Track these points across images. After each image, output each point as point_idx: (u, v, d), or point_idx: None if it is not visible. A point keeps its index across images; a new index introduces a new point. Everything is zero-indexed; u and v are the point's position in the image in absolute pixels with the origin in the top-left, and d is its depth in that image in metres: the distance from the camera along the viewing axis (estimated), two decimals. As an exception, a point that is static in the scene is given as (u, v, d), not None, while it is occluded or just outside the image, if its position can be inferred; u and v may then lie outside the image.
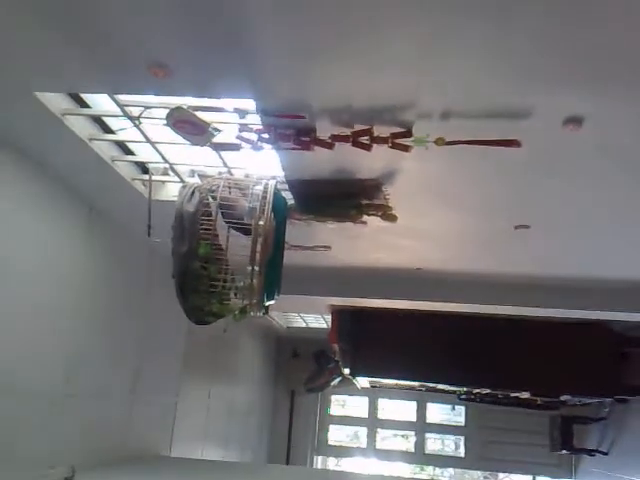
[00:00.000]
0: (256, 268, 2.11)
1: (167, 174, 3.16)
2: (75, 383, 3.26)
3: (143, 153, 3.01)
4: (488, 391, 6.11)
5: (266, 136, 2.33)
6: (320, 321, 7.34)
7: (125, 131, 2.74)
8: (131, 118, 2.53)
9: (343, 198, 2.92)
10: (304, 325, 7.78)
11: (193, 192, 2.26)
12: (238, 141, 2.40)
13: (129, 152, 3.00)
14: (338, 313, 5.47)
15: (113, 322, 3.69)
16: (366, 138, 2.27)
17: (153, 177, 3.00)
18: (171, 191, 3.17)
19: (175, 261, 2.21)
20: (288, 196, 2.82)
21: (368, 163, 2.61)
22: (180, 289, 2.21)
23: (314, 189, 2.87)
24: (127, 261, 3.83)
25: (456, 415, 8.35)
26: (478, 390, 6.21)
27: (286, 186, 2.87)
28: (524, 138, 2.24)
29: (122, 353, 3.84)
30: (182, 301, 2.23)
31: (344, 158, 2.55)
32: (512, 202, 2.99)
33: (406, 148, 2.29)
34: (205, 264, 2.16)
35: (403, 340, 5.26)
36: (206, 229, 2.18)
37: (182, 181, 3.07)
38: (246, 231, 2.17)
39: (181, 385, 4.82)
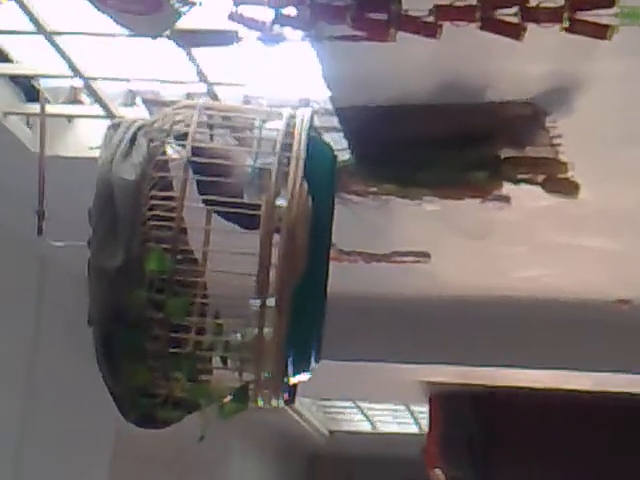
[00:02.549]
0: (270, 302, 2.13)
1: (78, 101, 3.23)
2: None
3: (28, 59, 3.09)
4: None
5: (292, 13, 2.34)
6: (403, 418, 7.52)
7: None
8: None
9: (458, 146, 2.99)
10: (368, 428, 7.97)
11: (134, 138, 2.29)
12: (232, 25, 2.43)
13: (0, 57, 3.09)
14: (444, 401, 5.60)
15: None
16: (512, 12, 2.27)
17: (48, 108, 3.07)
18: (86, 138, 3.25)
19: (96, 288, 2.26)
20: (338, 143, 2.87)
21: (515, 69, 2.65)
22: (105, 349, 2.25)
23: (394, 127, 2.92)
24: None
25: None
26: None
27: (334, 121, 2.94)
28: None
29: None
30: (109, 375, 2.27)
31: (462, 57, 2.60)
32: None
33: (603, 31, 2.27)
34: (159, 294, 2.19)
35: (590, 458, 5.36)
36: (162, 218, 2.21)
37: (110, 116, 3.14)
38: (248, 221, 2.21)
39: None
